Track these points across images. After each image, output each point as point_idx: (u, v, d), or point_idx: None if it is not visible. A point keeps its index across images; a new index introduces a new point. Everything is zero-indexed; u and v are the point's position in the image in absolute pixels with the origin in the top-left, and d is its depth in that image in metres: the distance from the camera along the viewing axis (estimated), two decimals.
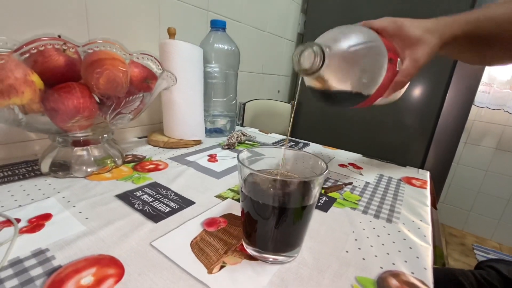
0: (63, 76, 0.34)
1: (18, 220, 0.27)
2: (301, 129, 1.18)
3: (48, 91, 0.33)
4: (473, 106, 1.49)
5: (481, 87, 1.47)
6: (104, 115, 0.37)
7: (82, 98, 0.34)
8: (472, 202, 1.70)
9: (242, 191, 0.24)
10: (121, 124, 0.41)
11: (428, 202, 0.40)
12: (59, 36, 0.34)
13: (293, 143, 0.67)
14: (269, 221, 0.23)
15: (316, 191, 0.23)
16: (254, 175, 0.23)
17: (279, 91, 1.14)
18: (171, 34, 0.52)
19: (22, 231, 0.25)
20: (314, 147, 0.66)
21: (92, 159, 0.40)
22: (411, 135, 0.97)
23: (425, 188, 0.45)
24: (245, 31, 0.85)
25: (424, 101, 0.92)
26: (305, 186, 0.23)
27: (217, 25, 0.61)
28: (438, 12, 0.39)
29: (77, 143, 0.39)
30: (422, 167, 0.97)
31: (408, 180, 0.48)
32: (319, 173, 0.23)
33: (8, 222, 0.27)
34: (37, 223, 0.27)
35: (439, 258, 0.55)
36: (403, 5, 0.89)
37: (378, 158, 0.59)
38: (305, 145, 0.67)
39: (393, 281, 0.23)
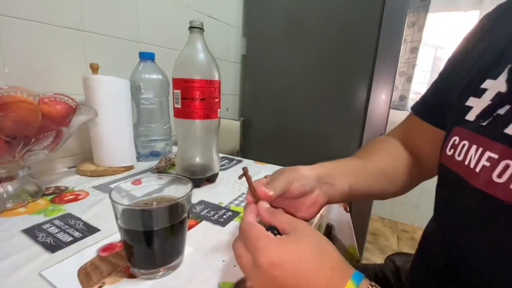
0: None
1: None
2: (252, 147, 1.24)
3: None
4: (406, 111, 1.67)
5: (412, 96, 1.65)
6: (12, 154, 0.39)
7: None
8: (418, 198, 1.86)
9: (117, 223, 0.28)
10: (37, 159, 0.44)
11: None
12: None
13: (227, 161, 0.72)
14: (141, 244, 0.27)
15: (183, 210, 0.28)
16: (123, 209, 0.27)
17: (227, 109, 1.20)
18: (94, 69, 0.55)
19: None
20: (246, 163, 0.71)
21: (5, 195, 0.41)
22: (345, 140, 1.06)
23: None
24: None
25: (353, 110, 1.02)
26: (170, 209, 0.27)
27: (145, 57, 0.65)
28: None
29: None
30: None
31: None
32: (183, 195, 0.28)
33: None
34: None
35: (352, 257, 0.62)
36: (337, 34, 1.00)
37: None
38: (238, 162, 0.72)
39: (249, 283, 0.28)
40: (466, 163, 0.25)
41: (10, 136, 0.38)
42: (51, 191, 0.48)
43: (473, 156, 0.24)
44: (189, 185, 0.30)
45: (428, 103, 0.39)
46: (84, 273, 0.28)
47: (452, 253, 0.29)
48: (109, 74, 0.55)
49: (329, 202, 0.35)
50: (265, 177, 0.33)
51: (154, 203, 0.31)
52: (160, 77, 0.66)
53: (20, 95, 0.39)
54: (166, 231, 0.27)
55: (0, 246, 0.32)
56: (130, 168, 0.61)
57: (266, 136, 1.22)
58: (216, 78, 0.50)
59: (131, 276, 0.28)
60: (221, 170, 0.63)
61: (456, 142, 0.27)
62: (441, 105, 0.35)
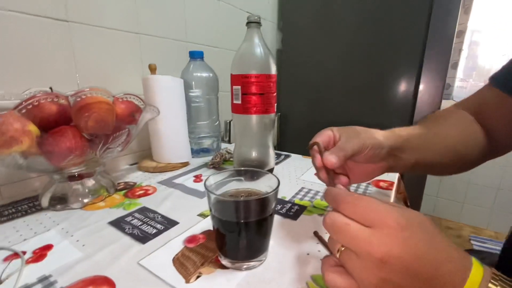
0: (56, 122, 0.39)
1: (24, 252, 0.31)
2: (289, 142, 1.23)
3: (44, 136, 0.38)
4: (451, 101, 1.56)
5: (458, 83, 1.54)
6: (95, 151, 0.42)
7: (74, 139, 0.39)
8: (464, 193, 1.74)
9: (211, 212, 0.28)
10: (111, 156, 0.46)
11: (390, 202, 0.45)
12: (51, 88, 0.39)
13: (275, 156, 0.72)
14: (234, 234, 0.28)
15: (271, 204, 0.28)
16: (218, 199, 0.28)
17: None
18: (152, 69, 0.57)
19: (28, 262, 0.30)
20: (294, 158, 0.71)
21: (87, 191, 0.44)
22: None
23: (391, 189, 0.50)
24: (225, 54, 0.91)
25: (398, 103, 0.97)
26: (261, 202, 0.28)
27: (195, 56, 0.66)
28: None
29: (72, 178, 0.43)
30: None
31: (376, 183, 0.52)
32: (271, 190, 0.28)
33: (16, 255, 0.31)
34: (40, 254, 0.31)
35: None
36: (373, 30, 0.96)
37: None
38: (287, 156, 0.72)
39: None
40: None
41: (92, 134, 0.41)
42: (122, 186, 0.51)
43: None
44: (275, 180, 0.30)
45: None
46: (179, 263, 0.29)
47: None
48: (162, 74, 0.57)
49: (387, 171, 0.37)
50: (331, 129, 0.36)
51: (242, 196, 0.31)
52: (210, 74, 0.67)
53: (100, 96, 0.41)
54: (258, 223, 0.28)
55: (94, 237, 0.35)
56: (186, 164, 0.63)
57: (303, 130, 1.20)
58: (273, 72, 0.49)
59: (223, 266, 0.29)
60: None
61: None
62: None
